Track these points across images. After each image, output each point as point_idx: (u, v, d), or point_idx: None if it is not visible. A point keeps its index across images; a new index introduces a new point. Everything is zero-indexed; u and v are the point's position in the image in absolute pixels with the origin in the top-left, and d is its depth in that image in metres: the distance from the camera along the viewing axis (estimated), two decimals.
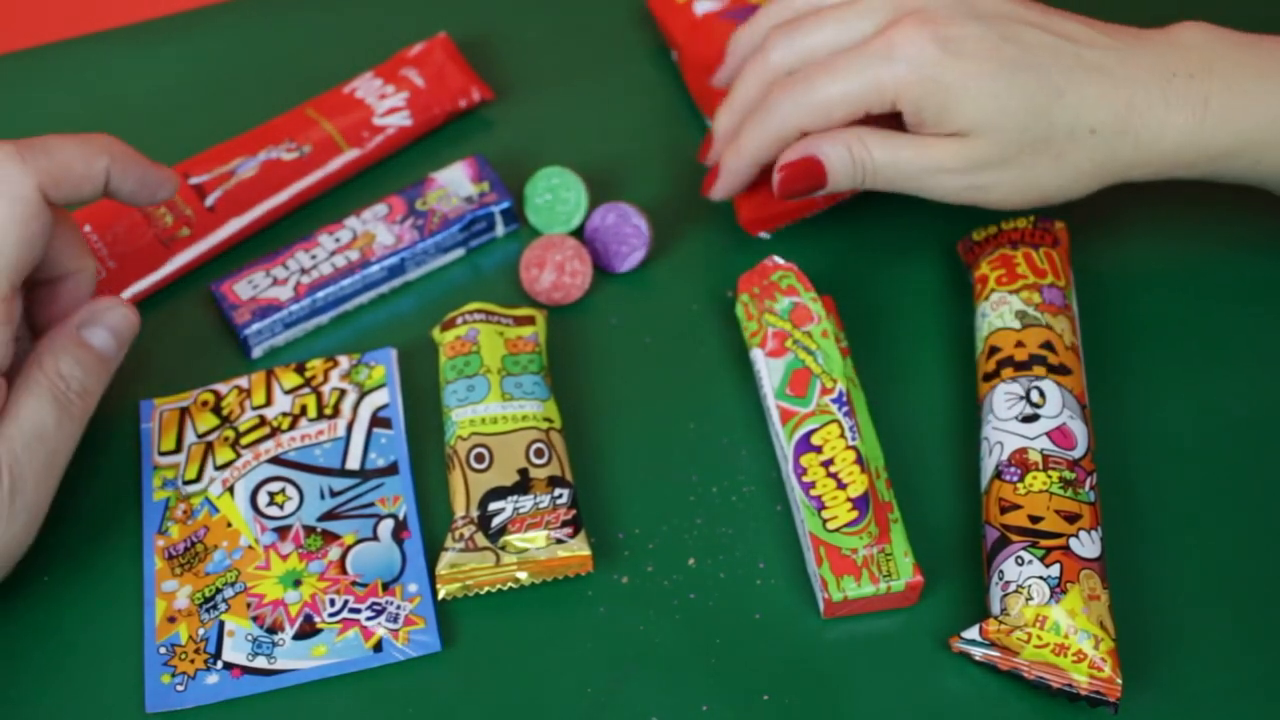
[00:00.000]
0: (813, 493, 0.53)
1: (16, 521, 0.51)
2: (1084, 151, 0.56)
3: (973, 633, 0.51)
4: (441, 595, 0.53)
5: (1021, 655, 0.51)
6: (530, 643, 0.53)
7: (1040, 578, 0.50)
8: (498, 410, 0.56)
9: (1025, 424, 0.54)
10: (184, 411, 0.58)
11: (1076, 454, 0.54)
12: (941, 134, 0.56)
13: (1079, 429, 0.54)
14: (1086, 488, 0.53)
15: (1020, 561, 0.51)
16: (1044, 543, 0.51)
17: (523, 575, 0.54)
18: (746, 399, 0.59)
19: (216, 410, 0.58)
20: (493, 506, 0.54)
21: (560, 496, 0.54)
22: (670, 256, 0.64)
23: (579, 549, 0.53)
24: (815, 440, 0.55)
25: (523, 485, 0.54)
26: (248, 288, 0.61)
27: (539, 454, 0.55)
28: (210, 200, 0.64)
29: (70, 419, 0.52)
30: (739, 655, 0.52)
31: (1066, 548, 0.51)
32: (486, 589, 0.54)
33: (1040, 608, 0.50)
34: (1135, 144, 0.56)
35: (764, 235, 0.64)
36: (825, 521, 0.53)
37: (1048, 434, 0.54)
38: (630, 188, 0.67)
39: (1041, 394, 0.55)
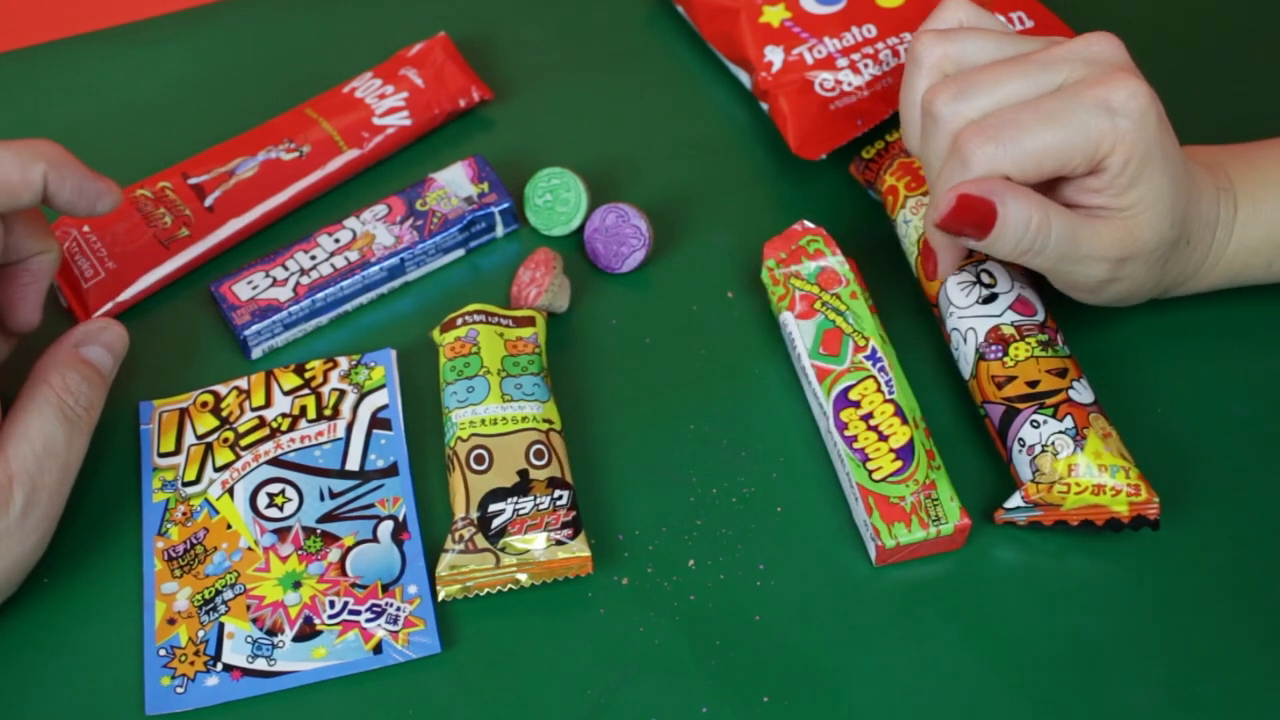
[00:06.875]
0: (856, 445, 0.55)
1: (30, 539, 0.51)
2: (1176, 260, 0.55)
3: (1014, 500, 0.54)
4: (441, 597, 0.53)
5: (1064, 506, 0.53)
6: (530, 644, 0.53)
7: (1059, 432, 0.53)
8: (497, 411, 0.56)
9: (987, 304, 0.57)
10: (183, 412, 0.58)
11: (1039, 318, 0.57)
12: (1112, 210, 0.52)
13: (1031, 295, 0.57)
14: (1060, 343, 0.56)
15: (1035, 424, 0.54)
16: (1049, 401, 0.54)
17: (523, 577, 0.54)
18: (747, 400, 0.59)
19: (216, 411, 0.58)
20: (493, 508, 0.54)
21: (560, 498, 0.54)
22: (670, 256, 0.64)
23: (579, 550, 0.53)
24: (853, 395, 0.56)
25: (523, 486, 0.54)
26: (247, 288, 0.61)
27: (539, 455, 0.55)
28: (210, 200, 0.64)
29: (79, 434, 0.53)
30: (739, 657, 0.52)
31: (1069, 399, 0.54)
32: (486, 590, 0.54)
33: (1069, 459, 0.53)
34: (1198, 258, 0.56)
35: (822, 157, 0.64)
36: (871, 472, 0.54)
37: (1011, 307, 0.57)
38: (630, 188, 0.66)
39: (990, 274, 0.58)
